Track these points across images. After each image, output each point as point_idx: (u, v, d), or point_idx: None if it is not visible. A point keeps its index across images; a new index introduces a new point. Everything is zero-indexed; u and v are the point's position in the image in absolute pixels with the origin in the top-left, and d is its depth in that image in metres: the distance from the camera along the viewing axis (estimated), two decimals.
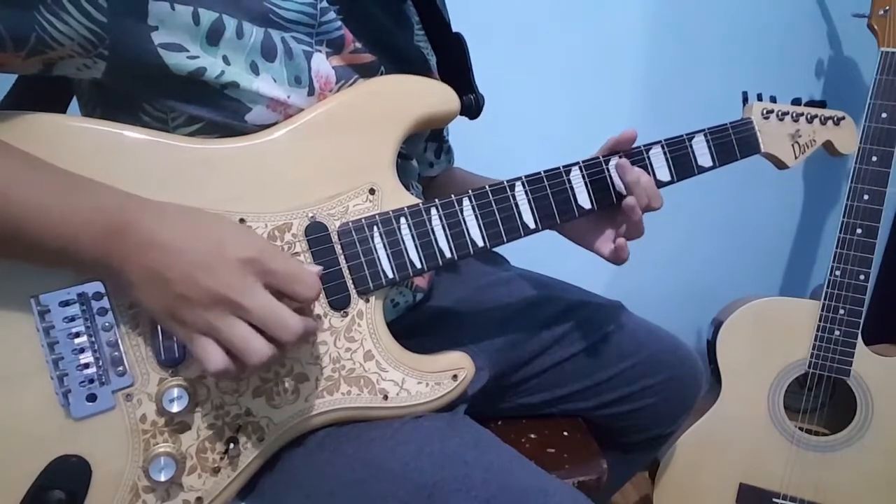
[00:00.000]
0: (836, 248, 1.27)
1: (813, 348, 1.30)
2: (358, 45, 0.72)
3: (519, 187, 0.76)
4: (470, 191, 0.74)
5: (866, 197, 1.25)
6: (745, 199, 1.64)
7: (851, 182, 1.26)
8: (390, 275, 0.70)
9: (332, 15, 0.70)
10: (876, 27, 1.25)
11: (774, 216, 1.68)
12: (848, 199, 1.26)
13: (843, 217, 1.27)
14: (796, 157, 0.90)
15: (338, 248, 0.68)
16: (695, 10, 1.47)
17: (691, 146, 0.83)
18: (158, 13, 0.60)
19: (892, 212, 1.56)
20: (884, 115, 1.24)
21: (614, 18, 1.44)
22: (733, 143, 0.85)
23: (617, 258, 0.83)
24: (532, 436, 0.95)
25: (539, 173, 0.77)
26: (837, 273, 1.27)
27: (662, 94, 1.52)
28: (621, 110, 1.52)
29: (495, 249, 0.77)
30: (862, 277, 1.26)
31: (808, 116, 0.89)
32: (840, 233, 1.27)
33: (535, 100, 1.46)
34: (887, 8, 1.24)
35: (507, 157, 1.32)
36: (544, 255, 0.90)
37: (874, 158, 1.25)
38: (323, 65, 0.69)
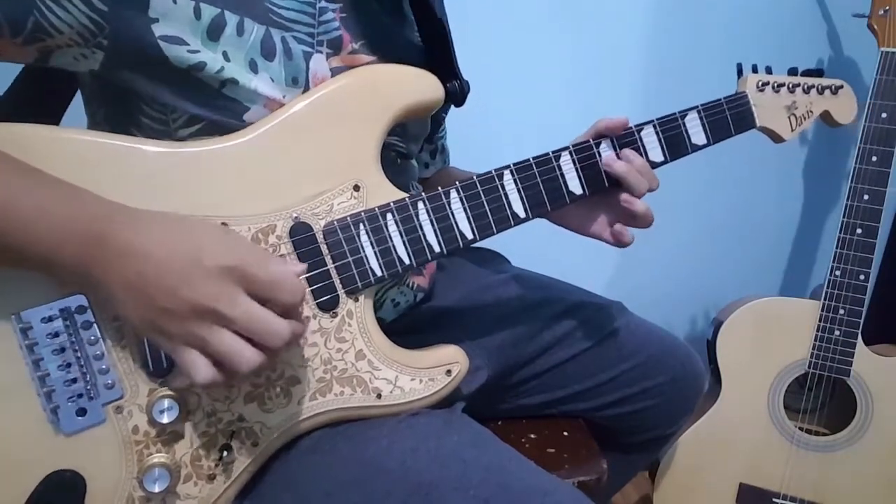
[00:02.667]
0: (836, 248, 1.27)
1: (813, 348, 1.30)
2: (356, 45, 0.72)
3: (508, 176, 0.74)
4: (457, 182, 0.72)
5: (866, 197, 1.25)
6: (745, 199, 1.63)
7: (851, 182, 1.26)
8: (378, 273, 0.69)
9: (330, 14, 0.70)
10: (876, 27, 1.25)
11: (774, 216, 1.68)
12: (848, 199, 1.26)
13: (843, 217, 1.26)
14: (793, 130, 0.88)
15: (324, 249, 0.67)
16: (695, 9, 1.47)
17: (684, 124, 0.81)
18: (160, 5, 0.60)
19: (892, 212, 1.56)
20: (884, 115, 1.23)
21: (615, 16, 1.44)
22: (728, 118, 0.84)
23: (620, 243, 0.82)
24: (532, 436, 0.95)
25: (528, 160, 0.75)
26: (837, 273, 1.27)
27: (662, 93, 1.52)
28: (621, 108, 1.51)
29: (496, 250, 0.77)
30: (862, 277, 1.26)
31: (805, 86, 0.87)
32: (840, 233, 1.27)
33: (535, 95, 1.46)
34: (887, 8, 1.24)
35: (507, 154, 1.32)
36: (544, 254, 0.90)
37: (874, 158, 1.24)
38: (321, 66, 0.69)
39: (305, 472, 0.68)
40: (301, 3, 0.67)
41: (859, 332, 1.27)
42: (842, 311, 1.27)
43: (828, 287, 1.28)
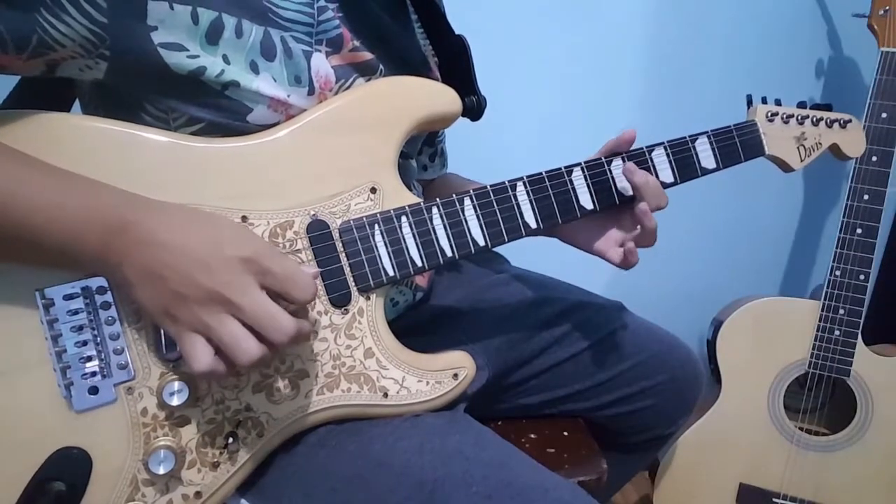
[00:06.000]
0: (836, 248, 1.27)
1: (813, 348, 1.30)
2: (356, 43, 0.72)
3: (520, 187, 0.76)
4: (471, 190, 0.74)
5: (866, 197, 1.25)
6: (746, 200, 1.64)
7: (851, 182, 1.26)
8: (391, 273, 0.70)
9: (329, 13, 0.70)
10: (876, 27, 1.26)
11: (774, 216, 1.68)
12: (848, 199, 1.27)
13: (843, 217, 1.27)
14: (802, 160, 0.89)
15: (339, 246, 0.68)
16: (695, 10, 1.47)
17: (694, 148, 0.83)
18: (158, 13, 0.60)
19: (892, 212, 1.56)
20: (884, 115, 1.24)
21: (615, 19, 1.45)
22: (737, 145, 0.85)
23: (626, 263, 0.82)
24: (532, 436, 0.95)
25: (541, 174, 0.77)
26: (837, 273, 1.27)
27: (663, 94, 1.52)
28: (623, 111, 1.52)
29: (495, 249, 0.78)
30: (862, 277, 1.26)
31: (814, 119, 0.88)
32: (840, 233, 1.27)
33: (537, 100, 1.46)
34: (887, 8, 1.24)
35: (508, 158, 1.32)
36: (544, 255, 0.90)
37: (874, 158, 1.25)
38: (322, 65, 0.70)
39: (310, 467, 0.68)
40: (300, 3, 0.68)
41: (859, 332, 1.28)
42: (842, 311, 1.28)
43: (828, 287, 1.28)
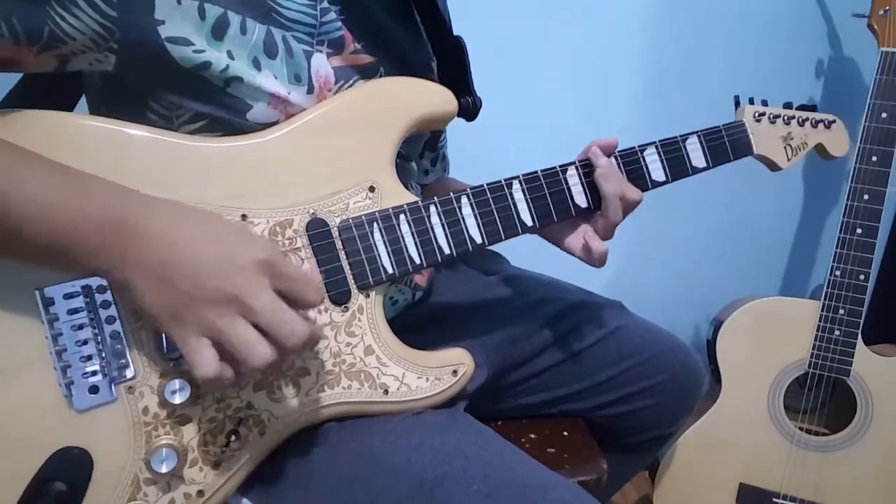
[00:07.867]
0: (836, 248, 1.27)
1: (813, 348, 1.30)
2: (358, 45, 0.73)
3: (516, 186, 0.77)
4: (468, 189, 0.74)
5: (866, 197, 1.25)
6: (746, 199, 1.64)
7: (851, 182, 1.26)
8: (390, 270, 0.70)
9: (332, 15, 0.70)
10: (876, 27, 1.26)
11: (774, 216, 1.68)
12: (848, 199, 1.27)
13: (843, 217, 1.27)
14: (789, 159, 0.91)
15: (338, 244, 0.69)
16: (695, 10, 1.47)
17: (685, 147, 0.84)
18: (165, 7, 0.61)
19: (892, 212, 1.56)
20: (884, 115, 1.24)
21: (615, 19, 1.45)
22: (726, 144, 0.87)
23: (589, 256, 0.82)
24: (532, 435, 0.95)
25: (536, 172, 0.78)
26: (837, 273, 1.27)
27: (663, 94, 1.52)
28: (622, 111, 1.52)
29: (494, 248, 0.78)
30: (862, 277, 1.26)
31: (800, 119, 0.90)
32: (840, 233, 1.27)
33: (535, 100, 1.47)
34: (887, 8, 1.24)
35: (507, 158, 1.33)
36: (544, 255, 0.90)
37: (874, 158, 1.25)
38: (323, 65, 0.70)
39: (311, 465, 0.68)
40: (303, 4, 0.68)
41: (859, 332, 1.28)
42: (842, 311, 1.27)
43: (828, 287, 1.28)
